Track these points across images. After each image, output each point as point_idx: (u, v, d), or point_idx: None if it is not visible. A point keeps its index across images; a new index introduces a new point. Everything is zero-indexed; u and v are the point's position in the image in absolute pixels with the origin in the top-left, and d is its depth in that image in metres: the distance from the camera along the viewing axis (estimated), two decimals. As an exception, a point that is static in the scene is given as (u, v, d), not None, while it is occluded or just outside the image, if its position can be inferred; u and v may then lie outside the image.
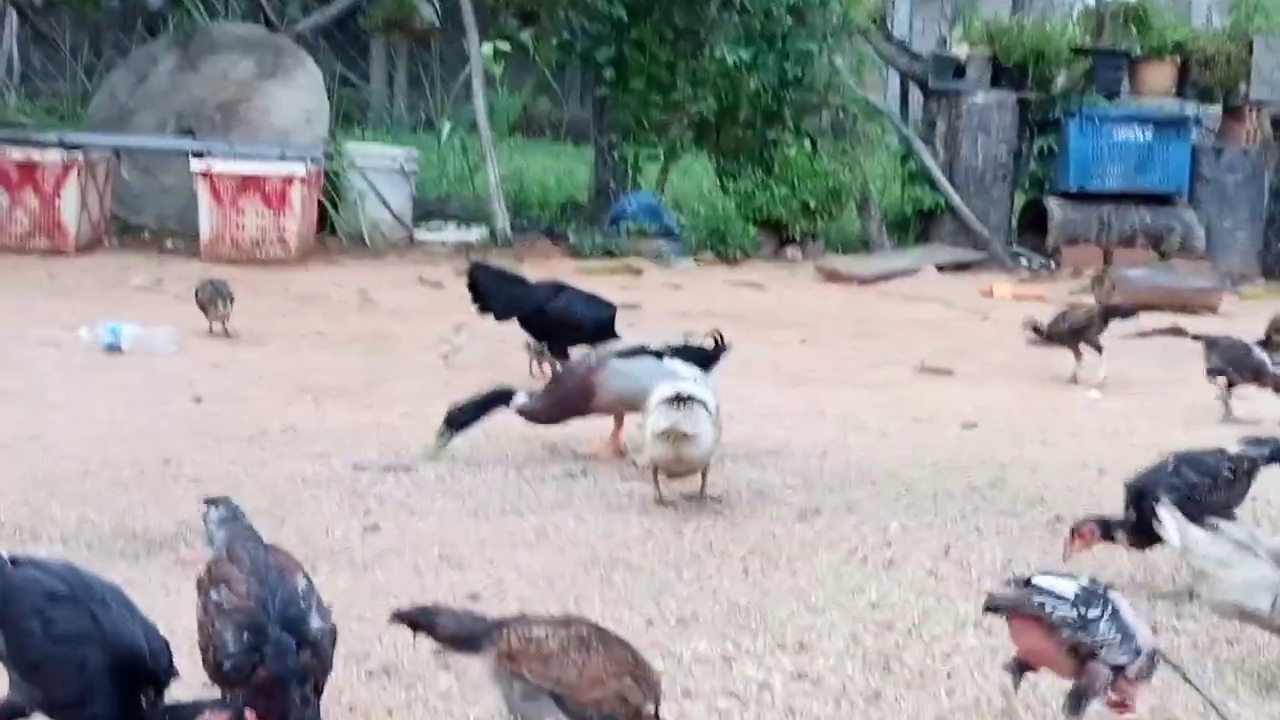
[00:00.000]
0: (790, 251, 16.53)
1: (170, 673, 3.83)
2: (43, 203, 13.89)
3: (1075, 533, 5.82)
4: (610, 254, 15.46)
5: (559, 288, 9.64)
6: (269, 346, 10.41)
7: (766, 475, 7.47)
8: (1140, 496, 5.69)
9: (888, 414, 9.08)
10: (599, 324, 9.28)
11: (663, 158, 17.44)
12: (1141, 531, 5.58)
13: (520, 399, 7.32)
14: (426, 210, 16.55)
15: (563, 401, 7.40)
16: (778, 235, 16.63)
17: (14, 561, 3.92)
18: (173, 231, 15.03)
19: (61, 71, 18.63)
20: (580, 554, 6.12)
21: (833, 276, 15.47)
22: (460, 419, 7.33)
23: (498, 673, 3.67)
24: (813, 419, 8.86)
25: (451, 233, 16.07)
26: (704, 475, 6.93)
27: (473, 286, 9.44)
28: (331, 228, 15.44)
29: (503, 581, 5.74)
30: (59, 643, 3.69)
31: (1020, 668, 4.44)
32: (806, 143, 17.11)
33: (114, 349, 9.83)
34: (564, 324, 9.18)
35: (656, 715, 3.56)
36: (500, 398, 7.35)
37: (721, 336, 7.73)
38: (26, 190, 13.89)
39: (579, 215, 16.90)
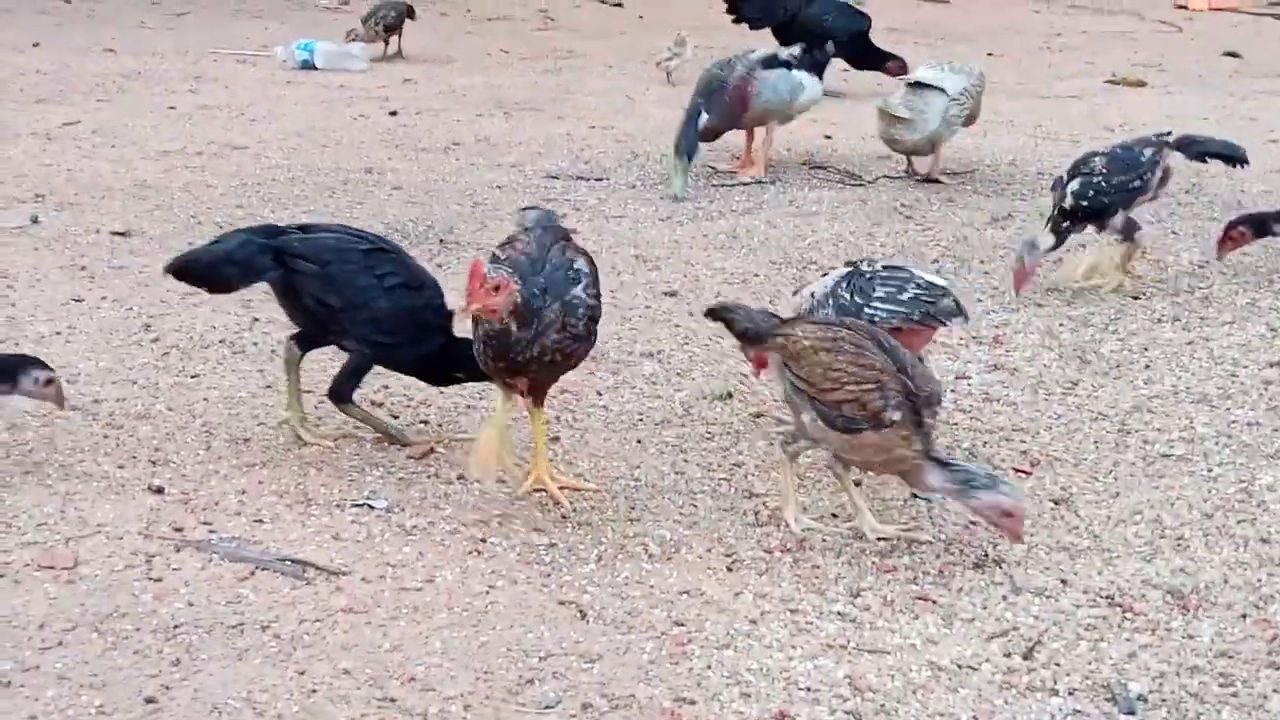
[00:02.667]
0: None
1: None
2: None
3: (1227, 233, 5.78)
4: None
5: None
6: (456, 64, 10.52)
7: (956, 182, 7.47)
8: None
9: (1079, 124, 8.94)
10: (853, 34, 9.32)
11: None
12: None
13: (706, 117, 7.24)
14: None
15: (727, 111, 7.30)
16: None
17: (304, 229, 4.24)
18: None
19: None
20: (771, 255, 6.24)
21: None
22: (688, 145, 7.14)
23: (779, 366, 3.82)
24: (1001, 129, 8.77)
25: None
26: (934, 158, 7.40)
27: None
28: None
29: (699, 280, 5.89)
30: (392, 292, 4.09)
31: None
32: None
33: (308, 66, 10.03)
34: (818, 33, 8.95)
35: (920, 423, 3.62)
36: (697, 114, 7.21)
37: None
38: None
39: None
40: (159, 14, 12.20)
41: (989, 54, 11.63)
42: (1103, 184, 5.57)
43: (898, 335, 3.95)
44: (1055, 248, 5.63)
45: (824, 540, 3.77)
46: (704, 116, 7.19)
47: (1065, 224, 5.58)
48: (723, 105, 7.23)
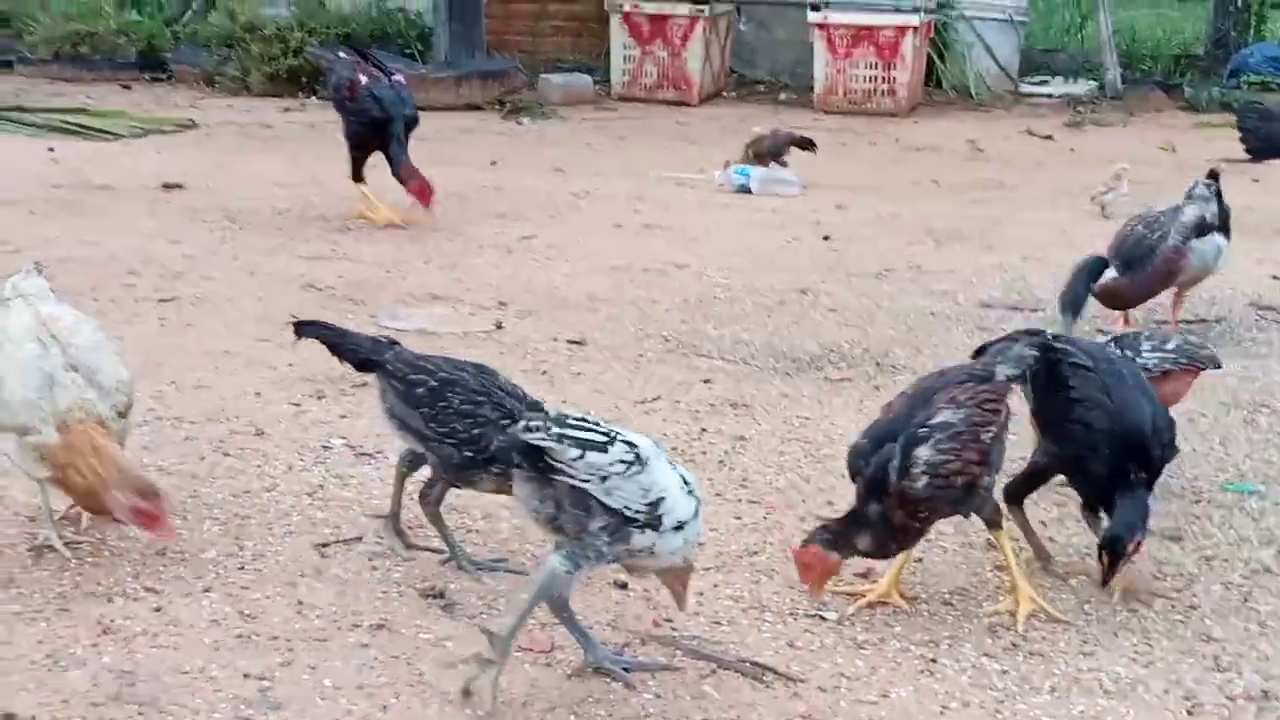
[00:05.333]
0: None
1: (1167, 454, 4.23)
2: (671, 55, 14.74)
3: None
4: (1229, 108, 14.73)
5: None
6: (885, 191, 10.69)
7: None
8: None
9: None
10: None
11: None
12: None
13: (1109, 275, 6.68)
14: (1032, 63, 16.31)
15: (1147, 283, 6.79)
16: None
17: (1055, 338, 4.39)
18: (786, 84, 15.57)
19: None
20: (1220, 396, 6.08)
21: None
22: (1073, 300, 6.60)
23: None
24: None
25: (1058, 85, 15.79)
26: None
27: (1242, 125, 9.33)
28: (937, 80, 15.51)
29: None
30: (1074, 403, 4.19)
31: None
32: None
33: (744, 189, 10.39)
34: None
35: None
36: (1097, 270, 6.70)
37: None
38: (657, 43, 14.76)
39: (1194, 68, 16.18)
40: (604, 137, 12.87)
41: None
42: None
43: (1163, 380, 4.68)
44: None
45: (1292, 692, 3.65)
46: (1110, 274, 6.66)
47: None
48: (1145, 276, 6.73)
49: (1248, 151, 9.18)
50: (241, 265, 7.87)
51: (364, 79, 8.88)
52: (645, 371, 6.26)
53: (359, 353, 4.31)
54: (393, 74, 9.08)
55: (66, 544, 4.29)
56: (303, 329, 4.52)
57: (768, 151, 10.73)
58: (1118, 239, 6.87)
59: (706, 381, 6.15)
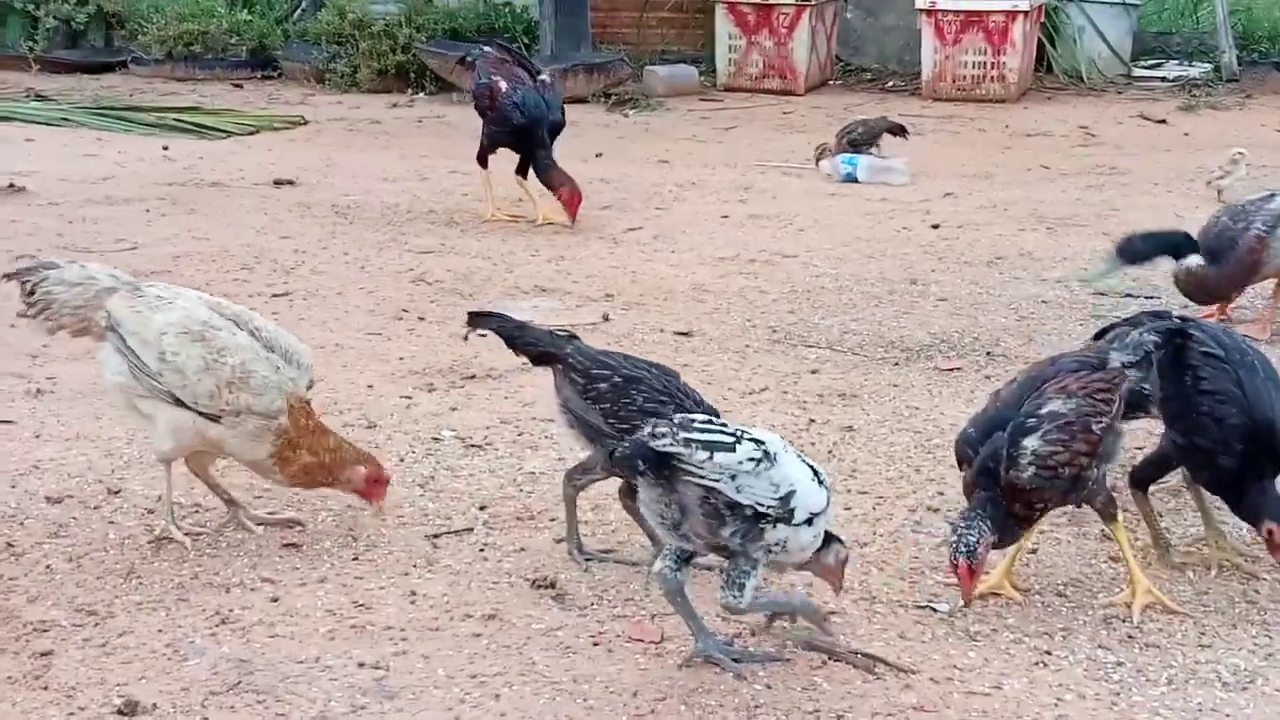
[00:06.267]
0: None
1: None
2: (777, 44, 14.66)
3: None
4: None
5: None
6: (996, 178, 10.56)
7: None
8: None
9: None
10: None
11: None
12: None
13: (1194, 260, 6.42)
14: (1144, 46, 16.02)
15: (1232, 273, 6.54)
16: None
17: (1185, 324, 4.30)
18: (893, 71, 15.43)
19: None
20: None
21: None
22: (1131, 250, 6.41)
23: None
24: None
25: (1172, 69, 15.49)
26: None
27: None
28: (1048, 65, 15.28)
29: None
30: (1201, 394, 4.10)
31: None
32: None
33: (851, 179, 10.32)
34: None
35: None
36: (1179, 245, 6.48)
37: None
38: (763, 33, 14.68)
39: (1314, 48, 15.81)
40: (708, 128, 12.85)
41: None
42: None
43: None
44: None
45: None
46: (1198, 262, 6.39)
47: None
48: (1229, 265, 6.46)
49: None
50: (351, 259, 7.96)
51: (504, 84, 8.61)
52: (752, 362, 6.24)
53: (538, 346, 4.28)
54: (539, 74, 8.89)
55: (185, 534, 4.38)
56: (478, 320, 4.44)
57: (861, 138, 10.65)
58: (1204, 230, 6.63)
59: (814, 372, 6.12)
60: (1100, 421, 3.90)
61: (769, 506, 3.42)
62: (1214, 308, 6.84)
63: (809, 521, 3.50)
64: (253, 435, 4.24)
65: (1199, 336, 4.19)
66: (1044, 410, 3.87)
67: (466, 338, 4.76)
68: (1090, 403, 3.90)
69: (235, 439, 4.25)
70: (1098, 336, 4.35)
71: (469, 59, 9.34)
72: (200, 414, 4.22)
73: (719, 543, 3.50)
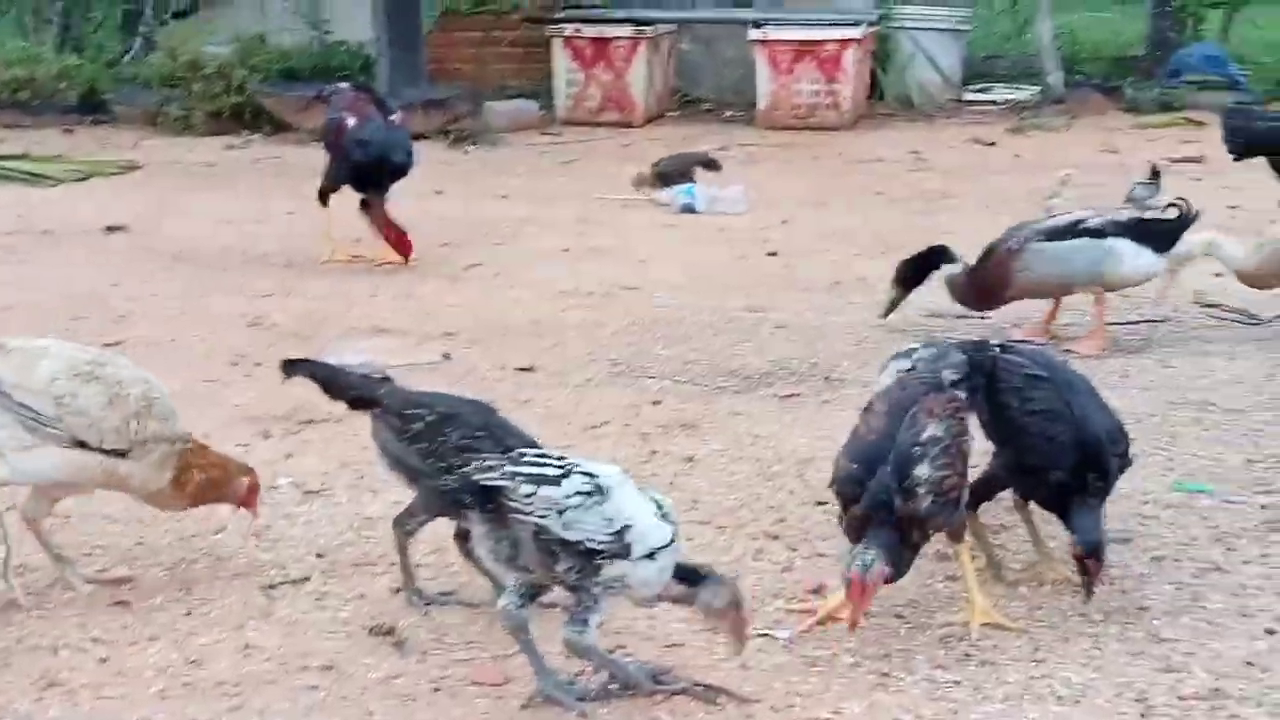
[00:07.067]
0: (1376, 99, 15.33)
1: (1124, 461, 4.21)
2: (614, 77, 14.73)
3: None
4: (1169, 108, 14.85)
5: None
6: (832, 205, 10.71)
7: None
8: None
9: None
10: None
11: (1227, 4, 16.50)
12: None
13: (948, 269, 6.88)
14: (974, 71, 16.40)
15: (977, 286, 6.88)
16: (1359, 83, 15.45)
17: (1002, 348, 4.40)
18: (730, 102, 15.58)
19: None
20: (1168, 395, 6.11)
21: None
22: (903, 276, 7.02)
23: None
24: None
25: (1001, 92, 15.86)
26: None
27: (1227, 125, 9.30)
28: (880, 92, 15.56)
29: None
30: (1029, 415, 4.16)
31: None
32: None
33: (690, 209, 10.39)
34: None
35: None
36: (939, 258, 6.94)
37: (1187, 207, 6.76)
38: (600, 66, 14.75)
39: (1135, 69, 16.30)
40: (548, 162, 12.87)
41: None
42: None
43: None
44: None
45: (1242, 690, 3.66)
46: (948, 269, 6.86)
47: None
48: (979, 273, 6.81)
49: (1231, 152, 9.35)
50: (186, 305, 7.82)
51: (352, 120, 8.53)
52: (594, 395, 6.24)
53: (353, 390, 4.24)
54: (392, 113, 8.81)
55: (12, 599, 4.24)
56: (292, 368, 4.40)
57: (671, 170, 10.72)
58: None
59: (656, 403, 6.14)
60: (966, 441, 3.97)
61: (602, 542, 3.41)
62: (1041, 331, 6.98)
63: (650, 556, 3.49)
64: (158, 464, 4.23)
65: (1017, 360, 4.28)
66: (924, 436, 3.88)
67: (283, 384, 4.69)
68: (955, 423, 3.96)
69: (142, 470, 4.22)
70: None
71: (325, 94, 9.21)
72: (106, 452, 4.16)
73: (556, 578, 3.48)
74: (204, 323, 7.47)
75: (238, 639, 4.03)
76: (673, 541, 3.55)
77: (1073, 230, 6.79)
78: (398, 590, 4.25)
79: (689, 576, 3.60)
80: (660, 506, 3.54)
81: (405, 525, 4.16)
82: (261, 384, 6.39)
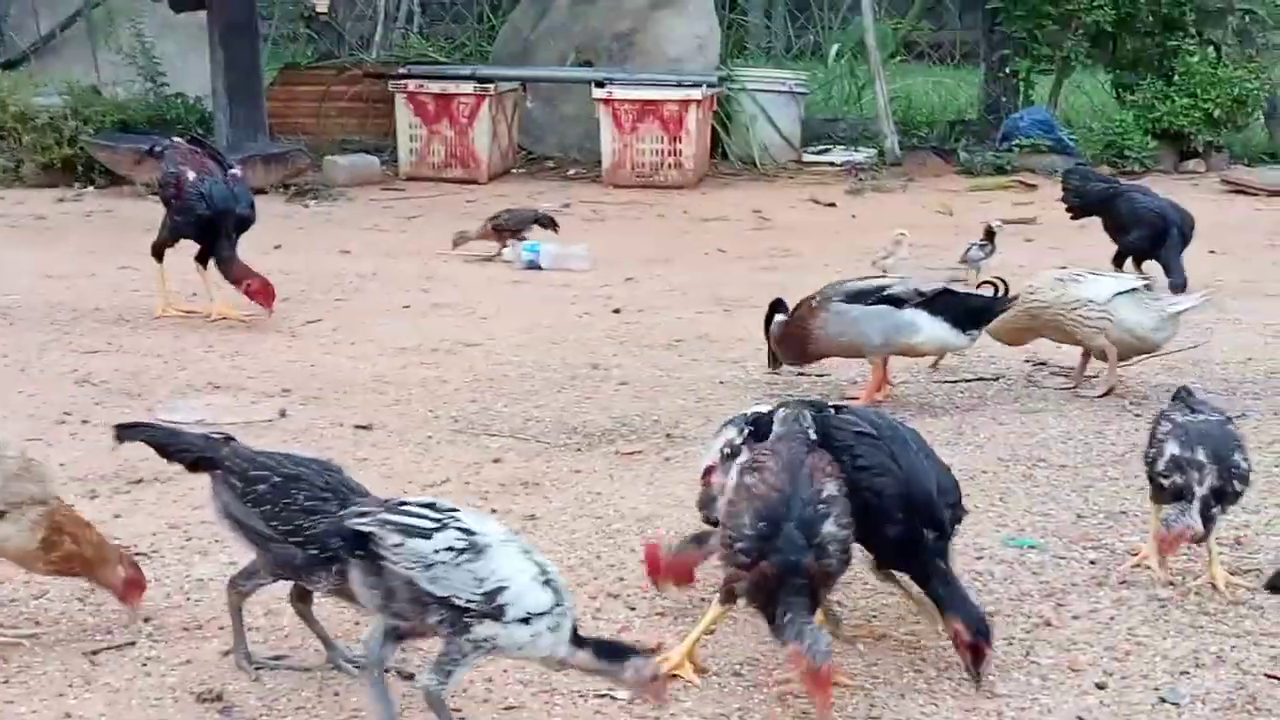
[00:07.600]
0: (1192, 164, 15.91)
1: (956, 514, 4.22)
2: (458, 133, 14.71)
3: None
4: (1002, 170, 15.26)
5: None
6: (675, 262, 10.79)
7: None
8: None
9: (1310, 322, 8.77)
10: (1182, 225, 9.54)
11: (1056, 71, 17.03)
12: None
13: (781, 319, 6.99)
14: (814, 133, 16.69)
15: (787, 339, 7.00)
16: (1178, 148, 16.02)
17: (837, 409, 4.40)
18: (575, 159, 15.65)
19: (469, 9, 19.52)
20: (999, 452, 6.21)
21: (1239, 189, 14.83)
22: (765, 330, 7.10)
23: None
24: (1228, 327, 8.64)
25: (839, 154, 16.17)
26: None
27: (1066, 186, 10.03)
28: (723, 151, 15.75)
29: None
30: (859, 471, 4.14)
31: None
32: (1209, 50, 16.40)
33: (533, 266, 10.38)
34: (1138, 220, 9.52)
35: None
36: (772, 310, 7.05)
37: (1004, 288, 6.79)
38: (443, 122, 14.72)
39: (968, 133, 16.73)
40: (391, 217, 12.77)
41: (1210, 251, 11.50)
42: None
43: None
44: None
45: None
46: (779, 319, 6.98)
47: None
48: (786, 328, 6.94)
49: (1069, 210, 9.98)
50: (11, 362, 7.58)
51: (191, 174, 8.35)
52: (434, 453, 6.17)
53: (192, 451, 4.11)
54: (230, 167, 8.64)
55: None
56: (126, 432, 4.27)
57: (506, 226, 10.70)
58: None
59: (497, 461, 6.09)
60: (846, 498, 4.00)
61: (469, 601, 3.36)
62: (878, 393, 7.02)
63: (525, 621, 3.42)
64: (33, 525, 4.18)
65: (848, 419, 4.32)
66: (825, 494, 3.89)
67: (115, 449, 4.55)
68: (842, 481, 4.00)
69: (18, 533, 4.16)
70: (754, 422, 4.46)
71: (157, 149, 8.97)
72: None
73: (427, 629, 3.44)
74: (30, 379, 7.25)
75: (58, 708, 3.88)
76: (556, 608, 3.47)
77: (877, 295, 6.81)
78: (227, 653, 4.14)
79: (612, 653, 3.56)
80: (544, 571, 3.48)
81: (241, 586, 4.05)
82: (88, 443, 6.22)
